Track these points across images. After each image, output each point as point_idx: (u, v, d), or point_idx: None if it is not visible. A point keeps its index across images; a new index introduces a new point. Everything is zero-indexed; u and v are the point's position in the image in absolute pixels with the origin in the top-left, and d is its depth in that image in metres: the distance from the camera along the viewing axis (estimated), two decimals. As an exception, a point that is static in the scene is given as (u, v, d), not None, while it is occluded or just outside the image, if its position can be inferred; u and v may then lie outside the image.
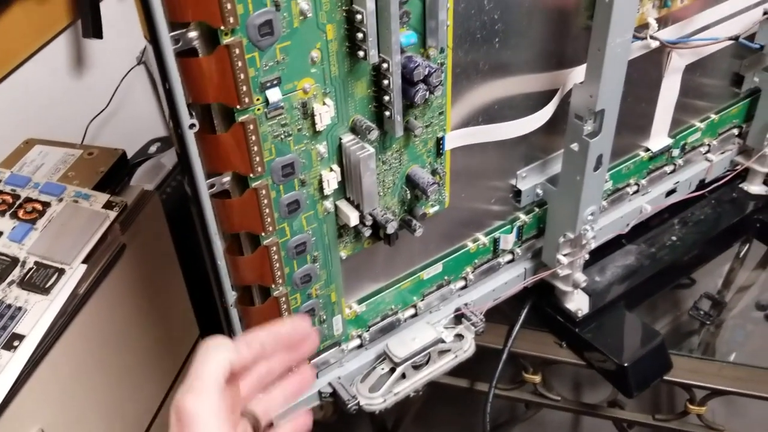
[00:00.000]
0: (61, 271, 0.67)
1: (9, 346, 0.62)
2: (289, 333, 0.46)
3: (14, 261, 0.68)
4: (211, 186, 0.50)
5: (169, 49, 0.43)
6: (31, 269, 0.67)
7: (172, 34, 0.43)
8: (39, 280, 0.66)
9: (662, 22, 0.68)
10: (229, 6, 0.42)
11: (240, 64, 0.45)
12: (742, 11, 0.75)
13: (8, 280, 0.66)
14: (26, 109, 1.00)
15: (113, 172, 0.80)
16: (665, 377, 0.79)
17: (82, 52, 1.09)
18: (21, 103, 0.99)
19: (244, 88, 0.46)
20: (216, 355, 0.41)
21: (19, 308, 0.64)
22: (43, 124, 1.00)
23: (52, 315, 0.64)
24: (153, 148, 1.13)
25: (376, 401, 0.68)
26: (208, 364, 0.40)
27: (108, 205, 0.74)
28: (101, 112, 1.11)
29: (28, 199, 0.74)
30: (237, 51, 0.44)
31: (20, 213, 0.72)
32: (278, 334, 0.46)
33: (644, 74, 0.73)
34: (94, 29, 1.01)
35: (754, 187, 0.95)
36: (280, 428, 0.47)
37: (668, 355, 0.80)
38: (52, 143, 0.86)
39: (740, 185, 0.95)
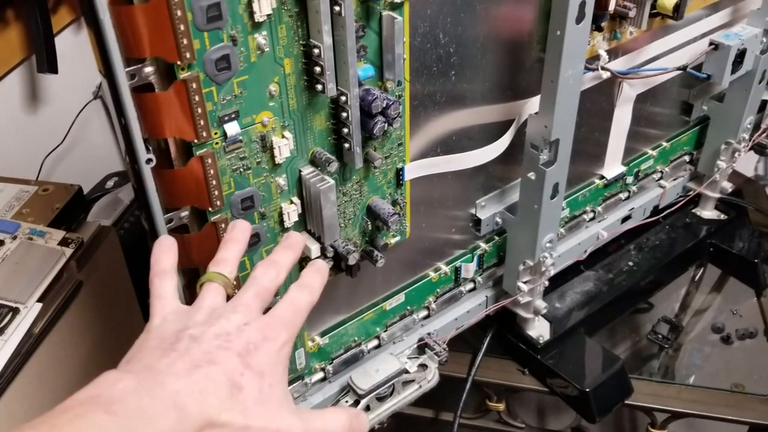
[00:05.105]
0: (16, 311, 0.66)
1: (-39, 389, 0.60)
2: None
3: (-34, 301, 0.66)
4: (169, 221, 0.50)
5: (124, 85, 0.43)
6: (-17, 309, 0.66)
7: (128, 69, 0.43)
8: (-8, 320, 0.65)
9: (613, 54, 0.70)
10: (185, 41, 0.43)
11: (197, 98, 0.45)
12: (689, 42, 0.77)
13: (-40, 320, 0.65)
14: (-21, 145, 0.98)
15: (69, 209, 0.79)
16: (627, 401, 0.80)
17: (37, 87, 1.07)
18: (-26, 139, 0.97)
19: (202, 123, 0.46)
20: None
21: (-28, 350, 0.62)
22: (-3, 161, 0.98)
23: (6, 356, 0.63)
24: (110, 183, 1.12)
25: (340, 435, 0.67)
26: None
27: (64, 242, 0.72)
28: (57, 147, 1.09)
29: (-19, 238, 0.72)
30: (194, 86, 0.44)
31: (-28, 252, 0.71)
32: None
33: (597, 104, 0.75)
34: (49, 64, 1.00)
35: (707, 212, 0.97)
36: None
37: (629, 379, 0.80)
38: (6, 180, 0.84)
39: (693, 210, 0.98)
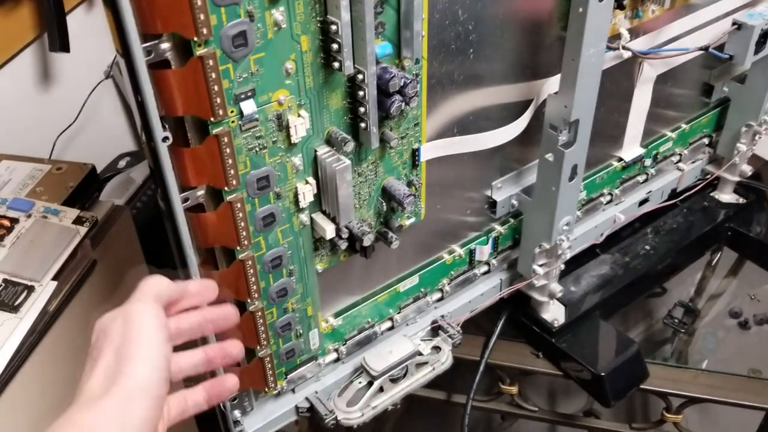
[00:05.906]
0: (31, 289, 0.66)
1: (-24, 366, 0.60)
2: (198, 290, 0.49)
3: (-19, 279, 0.66)
4: (185, 200, 0.49)
5: (141, 61, 0.42)
6: (-1, 287, 0.66)
7: (145, 45, 0.42)
8: (8, 298, 0.65)
9: (634, 33, 0.69)
10: (202, 17, 0.42)
11: (214, 75, 0.44)
12: (711, 22, 0.76)
13: (-25, 298, 0.65)
14: (-8, 123, 0.98)
15: (83, 187, 0.79)
16: (642, 386, 0.79)
17: (49, 66, 1.07)
18: (-13, 117, 0.97)
19: (218, 100, 0.45)
20: (155, 279, 0.46)
21: (-13, 327, 0.62)
22: (10, 139, 0.98)
23: (21, 333, 0.63)
24: (122, 163, 1.12)
25: (353, 415, 0.67)
26: (148, 284, 0.46)
27: (78, 221, 0.72)
28: (69, 126, 1.09)
29: (-4, 216, 0.72)
30: (211, 62, 0.44)
31: (-13, 230, 0.70)
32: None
33: (617, 84, 0.74)
34: (61, 43, 0.99)
35: (725, 196, 0.96)
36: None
37: (644, 363, 0.80)
38: (20, 158, 0.84)
39: (711, 194, 0.97)
